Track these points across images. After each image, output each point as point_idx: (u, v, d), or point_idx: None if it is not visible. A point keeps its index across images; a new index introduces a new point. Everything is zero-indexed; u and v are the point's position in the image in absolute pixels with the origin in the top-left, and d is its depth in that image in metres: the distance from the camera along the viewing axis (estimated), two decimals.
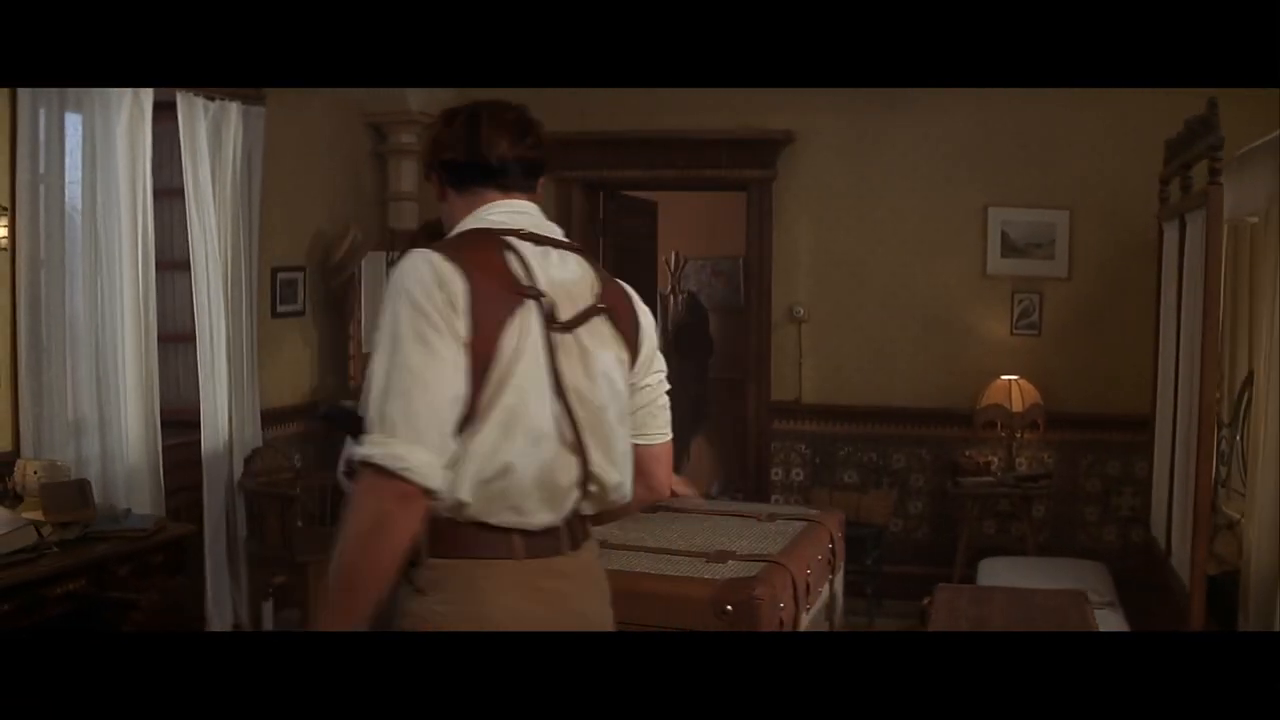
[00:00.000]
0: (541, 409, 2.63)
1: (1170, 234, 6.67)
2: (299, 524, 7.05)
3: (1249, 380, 5.95)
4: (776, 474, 8.70)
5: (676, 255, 10.77)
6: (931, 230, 8.41)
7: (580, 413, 2.68)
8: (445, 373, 2.53)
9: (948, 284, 8.43)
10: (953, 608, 3.32)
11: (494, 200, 2.86)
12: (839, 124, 8.34)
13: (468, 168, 2.87)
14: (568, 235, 2.87)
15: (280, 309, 7.80)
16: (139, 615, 5.14)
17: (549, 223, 2.95)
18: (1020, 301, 8.34)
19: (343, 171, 8.52)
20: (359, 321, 8.15)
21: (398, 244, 8.20)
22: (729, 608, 2.82)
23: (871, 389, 8.52)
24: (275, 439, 7.58)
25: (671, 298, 10.77)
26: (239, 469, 7.13)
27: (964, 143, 8.29)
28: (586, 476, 2.70)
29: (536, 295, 2.68)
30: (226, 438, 7.09)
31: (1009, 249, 8.32)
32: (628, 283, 2.95)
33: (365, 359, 7.99)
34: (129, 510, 5.95)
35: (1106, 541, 8.31)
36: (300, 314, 8.04)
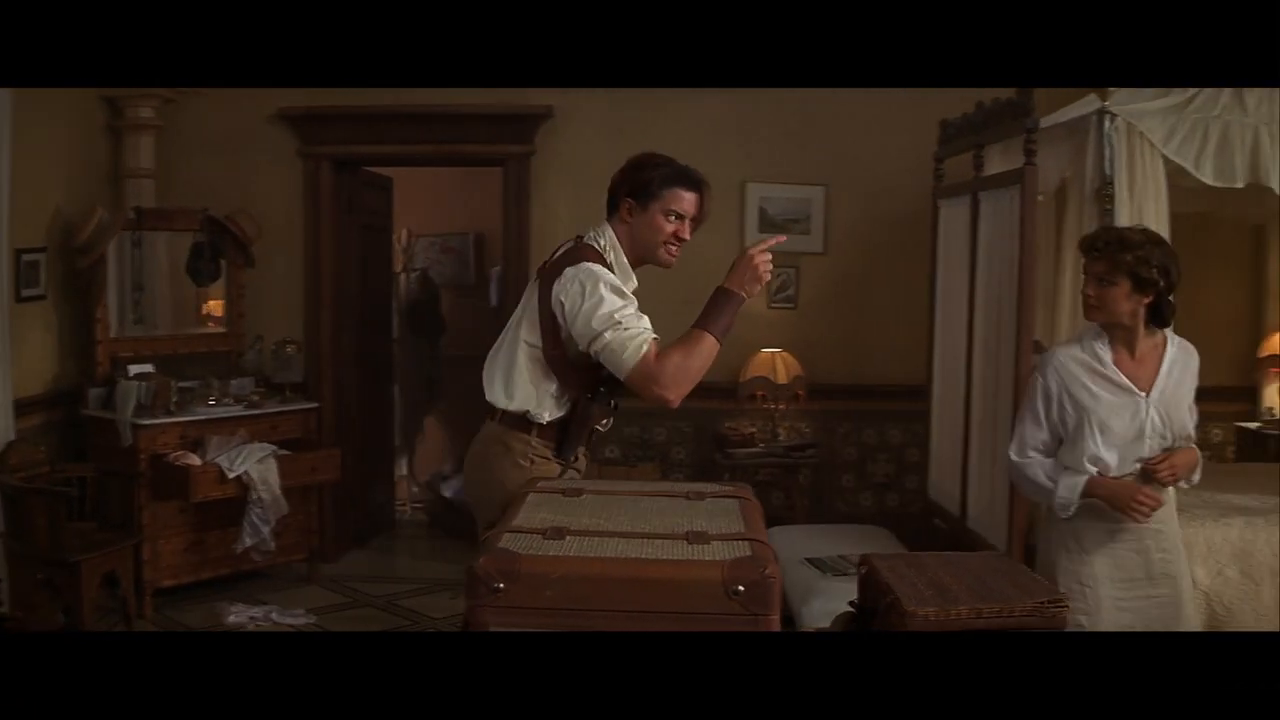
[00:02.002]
0: None
1: (951, 210, 6.90)
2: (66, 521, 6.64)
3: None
4: None
5: (408, 232, 10.55)
6: None
7: None
8: None
9: (707, 259, 8.42)
10: (901, 575, 3.33)
11: None
12: (598, 100, 8.28)
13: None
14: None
15: (24, 293, 7.28)
16: None
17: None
18: (778, 275, 8.46)
19: (79, 147, 8.02)
20: (106, 305, 7.69)
21: (147, 222, 7.81)
22: (741, 588, 2.77)
23: None
24: (25, 431, 7.11)
25: (403, 276, 10.54)
26: None
27: (723, 119, 8.38)
28: None
29: None
30: None
31: (767, 224, 8.44)
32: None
33: (113, 344, 7.60)
34: None
35: (864, 507, 8.58)
36: (42, 298, 7.53)
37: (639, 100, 8.20)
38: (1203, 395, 5.74)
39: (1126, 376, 4.32)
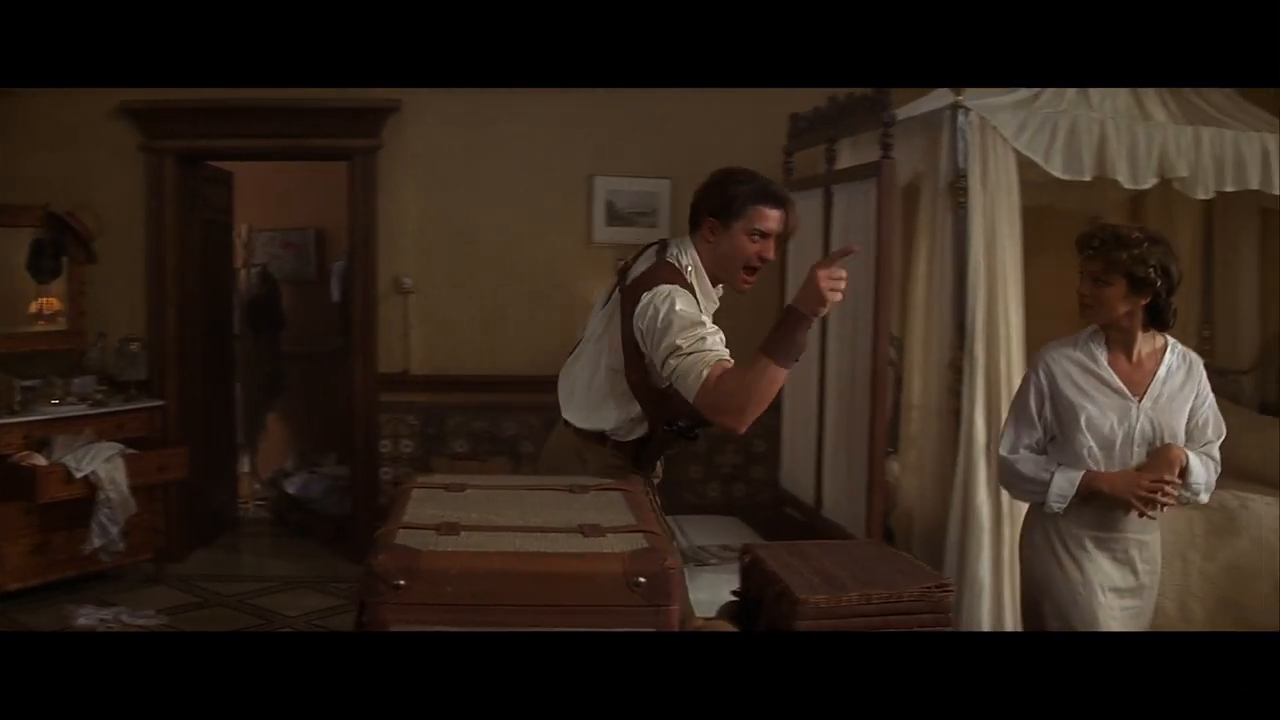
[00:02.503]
0: None
1: (802, 204, 6.97)
2: None
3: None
4: (386, 446, 8.57)
5: (248, 227, 10.42)
6: (539, 200, 8.50)
7: None
8: None
9: (555, 252, 8.55)
10: (786, 564, 3.40)
11: None
12: (446, 94, 8.24)
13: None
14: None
15: None
16: None
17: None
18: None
19: None
20: None
21: None
22: (642, 579, 2.82)
23: (482, 358, 8.52)
24: None
25: (243, 271, 10.41)
26: None
27: (571, 113, 8.39)
28: None
29: None
30: None
31: (614, 217, 8.51)
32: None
33: None
34: None
35: (711, 498, 8.66)
36: None
37: (487, 93, 8.19)
38: None
39: (1121, 379, 4.21)
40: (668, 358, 3.78)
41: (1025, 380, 4.41)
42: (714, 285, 4.16)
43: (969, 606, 5.59)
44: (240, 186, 9.66)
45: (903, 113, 5.99)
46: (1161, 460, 4.14)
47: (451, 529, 3.05)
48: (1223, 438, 4.30)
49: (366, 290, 8.45)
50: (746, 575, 3.59)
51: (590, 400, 4.16)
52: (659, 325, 3.82)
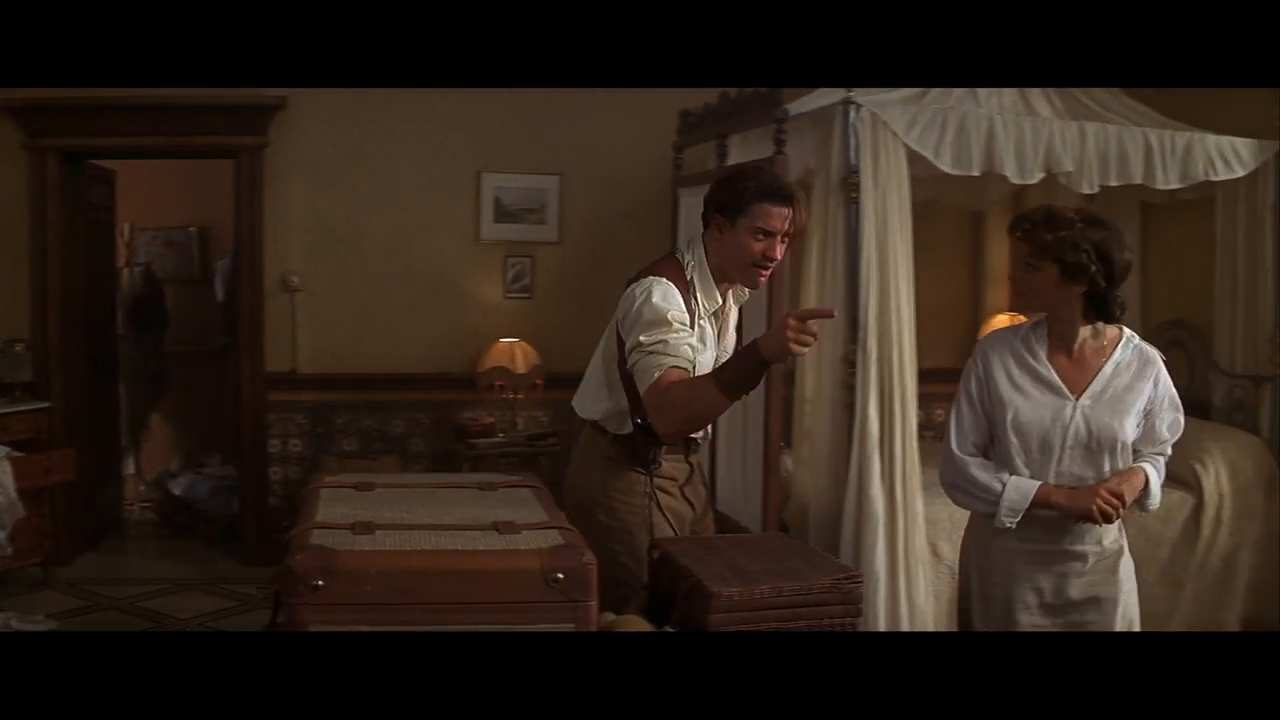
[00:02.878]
0: None
1: (693, 199, 7.04)
2: None
3: None
4: (274, 445, 8.51)
5: (130, 226, 10.28)
6: (427, 197, 8.50)
7: None
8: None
9: (443, 250, 8.55)
10: (698, 558, 3.42)
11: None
12: (333, 91, 8.19)
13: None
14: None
15: None
16: None
17: None
18: (513, 265, 8.58)
19: None
20: None
21: None
22: (560, 575, 2.85)
23: (370, 356, 8.50)
24: None
25: (126, 270, 10.27)
26: None
27: (458, 109, 8.41)
28: None
29: None
30: None
31: (502, 214, 8.54)
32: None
33: None
34: None
35: None
36: None
37: (374, 90, 8.14)
38: (925, 377, 6.08)
39: (1058, 374, 3.87)
40: (631, 350, 3.77)
41: (966, 369, 4.04)
42: (722, 283, 4.05)
43: (866, 599, 5.65)
44: (121, 184, 9.52)
45: (794, 108, 6.06)
46: (1125, 482, 3.81)
47: (366, 528, 3.05)
48: (1178, 437, 4.01)
49: (254, 288, 8.38)
50: (655, 569, 3.61)
51: (589, 389, 4.20)
52: (630, 317, 3.81)
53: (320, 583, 2.81)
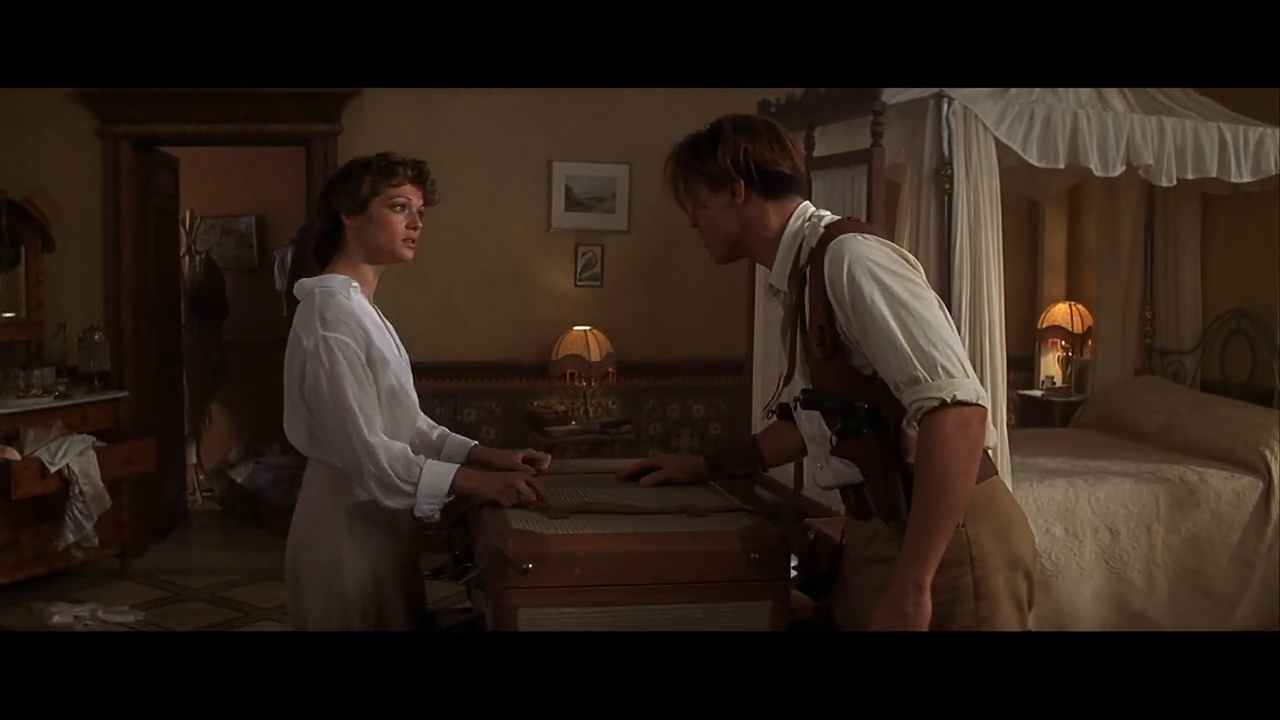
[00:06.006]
0: None
1: None
2: None
3: None
4: None
5: (191, 214, 10.31)
6: (498, 185, 8.51)
7: None
8: (945, 317, 2.90)
9: (515, 238, 8.57)
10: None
11: (802, 203, 3.17)
12: None
13: (789, 179, 3.14)
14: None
15: None
16: None
17: None
18: (583, 254, 8.61)
19: None
20: None
21: None
22: (756, 555, 2.93)
23: (439, 344, 8.47)
24: None
25: (187, 260, 10.30)
26: None
27: (529, 98, 8.41)
28: None
29: None
30: None
31: (572, 203, 8.57)
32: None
33: None
34: None
35: None
36: None
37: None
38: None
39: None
40: None
41: None
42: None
43: None
44: (183, 172, 9.55)
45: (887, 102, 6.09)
46: None
47: (560, 513, 3.11)
48: None
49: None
50: (813, 550, 3.63)
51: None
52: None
53: (530, 566, 2.86)
